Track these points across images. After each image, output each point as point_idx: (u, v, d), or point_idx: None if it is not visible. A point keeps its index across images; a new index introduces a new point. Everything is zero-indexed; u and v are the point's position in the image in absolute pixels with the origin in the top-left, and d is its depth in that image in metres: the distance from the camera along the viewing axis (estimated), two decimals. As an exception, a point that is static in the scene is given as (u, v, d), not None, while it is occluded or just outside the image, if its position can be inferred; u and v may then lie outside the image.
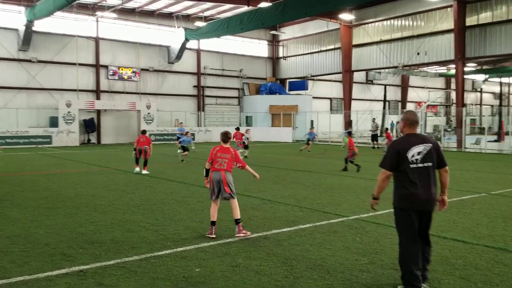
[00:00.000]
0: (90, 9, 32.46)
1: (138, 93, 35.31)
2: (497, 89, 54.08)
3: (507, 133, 33.30)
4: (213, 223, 6.68)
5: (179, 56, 36.12)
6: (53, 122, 30.67)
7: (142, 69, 35.41)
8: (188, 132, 20.18)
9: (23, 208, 8.84)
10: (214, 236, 6.56)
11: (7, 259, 5.57)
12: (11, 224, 7.45)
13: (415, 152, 4.47)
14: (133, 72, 34.90)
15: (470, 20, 28.60)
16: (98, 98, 33.27)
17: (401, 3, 32.48)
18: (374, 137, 29.29)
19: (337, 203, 9.44)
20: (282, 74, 43.42)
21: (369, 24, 35.00)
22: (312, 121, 37.07)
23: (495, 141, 32.87)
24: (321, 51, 39.36)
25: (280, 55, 43.51)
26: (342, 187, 11.71)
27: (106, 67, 33.82)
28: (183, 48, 35.67)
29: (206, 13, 36.31)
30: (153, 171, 14.76)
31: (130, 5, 32.98)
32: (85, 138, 32.56)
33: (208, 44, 38.69)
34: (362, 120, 35.04)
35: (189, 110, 38.18)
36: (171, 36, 35.96)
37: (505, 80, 50.23)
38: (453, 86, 45.81)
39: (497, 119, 41.40)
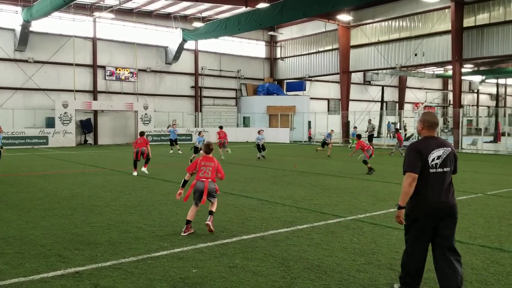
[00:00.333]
0: (87, 9, 32.40)
1: (136, 94, 35.25)
2: (493, 90, 54.22)
3: (503, 134, 33.41)
4: (188, 221, 6.84)
5: (176, 57, 36.10)
6: (50, 123, 30.58)
7: (140, 70, 35.35)
8: (201, 131, 19.71)
9: (18, 209, 8.79)
10: (185, 234, 6.70)
11: (2, 261, 5.52)
12: (6, 225, 7.40)
13: (435, 156, 4.22)
14: (131, 72, 34.85)
15: (468, 22, 28.68)
16: (95, 98, 33.19)
17: (399, 4, 32.54)
18: (370, 138, 29.31)
19: (334, 204, 9.44)
20: (280, 75, 43.44)
21: (367, 25, 35.06)
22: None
23: (491, 142, 32.97)
24: (319, 52, 39.40)
25: (278, 55, 43.53)
26: (339, 188, 11.71)
27: (103, 67, 33.75)
28: (180, 48, 35.65)
29: (204, 14, 36.30)
30: (150, 172, 14.73)
31: (127, 5, 32.93)
32: (82, 139, 32.47)
33: (206, 44, 38.67)
34: (360, 121, 35.07)
35: (187, 110, 38.14)
36: (169, 36, 35.93)
37: (501, 81, 50.39)
38: (450, 87, 45.93)
39: (493, 120, 41.58)
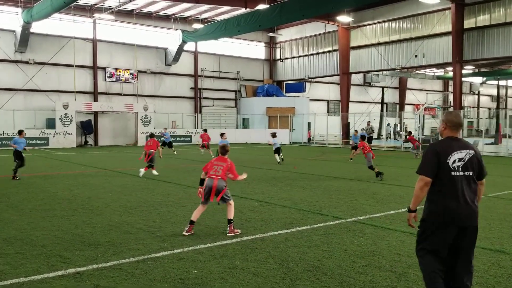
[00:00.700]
0: (87, 10, 32.45)
1: (136, 95, 35.28)
2: (494, 91, 54.21)
3: (504, 136, 33.39)
4: (191, 221, 6.86)
5: (176, 58, 36.13)
6: (50, 124, 30.60)
7: (140, 71, 35.38)
8: (224, 133, 17.97)
9: (19, 210, 8.80)
10: (186, 234, 6.74)
11: (3, 261, 5.53)
12: (6, 226, 7.41)
13: (456, 158, 3.90)
14: (131, 74, 34.88)
15: (468, 23, 28.71)
16: (95, 99, 33.21)
17: (399, 6, 32.56)
18: (369, 140, 29.24)
19: (334, 205, 9.44)
20: (279, 76, 43.45)
21: (367, 26, 35.07)
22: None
23: (492, 143, 32.95)
24: (318, 53, 39.42)
25: (278, 57, 43.56)
26: (339, 189, 11.71)
27: (103, 69, 33.78)
28: (180, 50, 35.68)
29: (204, 15, 36.34)
30: (150, 173, 14.74)
31: (127, 7, 32.96)
32: (82, 140, 32.49)
33: (206, 46, 38.70)
34: (360, 122, 35.07)
35: (186, 112, 38.16)
36: (169, 38, 35.97)
37: (502, 82, 50.41)
38: (450, 88, 45.93)
39: (494, 121, 41.53)
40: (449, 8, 29.15)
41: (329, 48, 38.28)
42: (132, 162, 19.81)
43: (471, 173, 3.93)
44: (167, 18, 36.16)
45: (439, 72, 47.25)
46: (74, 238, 6.66)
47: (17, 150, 13.61)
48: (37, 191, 11.22)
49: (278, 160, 18.58)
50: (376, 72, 40.78)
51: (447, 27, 29.53)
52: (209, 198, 6.88)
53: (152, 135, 15.36)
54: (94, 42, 33.34)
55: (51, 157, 22.34)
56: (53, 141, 29.82)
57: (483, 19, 28.14)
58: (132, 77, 34.97)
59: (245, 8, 31.42)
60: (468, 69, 42.34)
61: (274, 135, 19.04)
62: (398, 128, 43.87)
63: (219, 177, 6.88)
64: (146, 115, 33.59)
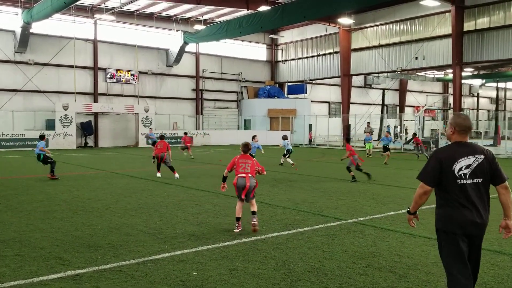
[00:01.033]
0: (88, 11, 32.46)
1: (136, 96, 35.26)
2: (493, 94, 54.26)
3: (503, 138, 33.37)
4: (237, 219, 7.09)
5: (177, 59, 36.13)
6: (50, 125, 30.56)
7: (141, 72, 35.38)
8: (255, 136, 17.07)
9: (18, 211, 8.77)
10: (237, 230, 7.00)
11: (1, 263, 5.51)
12: (5, 228, 7.38)
13: (463, 165, 3.67)
14: (131, 75, 34.88)
15: (468, 26, 28.75)
16: (95, 101, 33.20)
17: (400, 8, 32.60)
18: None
19: (335, 207, 9.42)
20: (281, 77, 43.47)
21: (368, 29, 35.11)
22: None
23: (491, 145, 32.92)
24: (319, 55, 39.45)
25: (279, 58, 43.58)
26: (340, 191, 11.69)
27: (104, 69, 33.78)
28: (181, 51, 35.68)
29: (205, 17, 36.37)
30: (151, 175, 14.72)
31: (128, 7, 32.98)
32: (82, 141, 32.47)
33: (207, 47, 38.72)
34: (360, 124, 35.09)
35: (188, 113, 38.15)
36: (170, 39, 35.98)
37: (501, 85, 50.43)
38: (450, 90, 45.93)
39: (493, 123, 41.55)
40: (449, 11, 29.19)
41: (330, 50, 38.30)
42: (132, 163, 19.81)
43: (480, 180, 3.73)
44: (168, 19, 36.18)
45: (439, 74, 47.28)
46: (74, 240, 6.63)
47: (42, 153, 13.73)
48: (36, 192, 11.20)
49: (292, 162, 18.31)
50: (377, 74, 40.79)
51: (447, 29, 29.56)
52: (241, 195, 7.08)
53: (162, 137, 14.82)
54: (95, 42, 33.35)
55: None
56: (52, 142, 29.74)
57: (482, 22, 28.18)
58: (133, 78, 34.97)
59: (247, 10, 31.45)
60: (467, 71, 42.37)
61: (285, 137, 19.04)
62: (398, 130, 43.86)
63: (249, 175, 7.11)
64: (147, 116, 33.58)
